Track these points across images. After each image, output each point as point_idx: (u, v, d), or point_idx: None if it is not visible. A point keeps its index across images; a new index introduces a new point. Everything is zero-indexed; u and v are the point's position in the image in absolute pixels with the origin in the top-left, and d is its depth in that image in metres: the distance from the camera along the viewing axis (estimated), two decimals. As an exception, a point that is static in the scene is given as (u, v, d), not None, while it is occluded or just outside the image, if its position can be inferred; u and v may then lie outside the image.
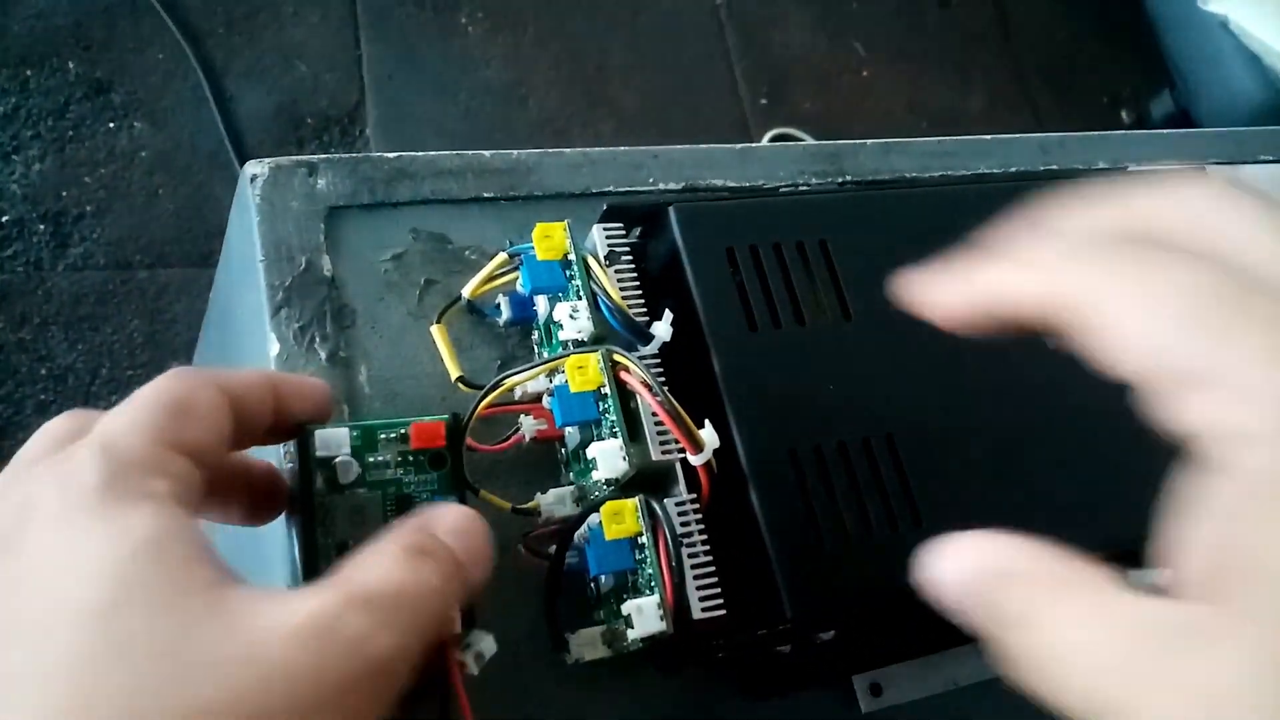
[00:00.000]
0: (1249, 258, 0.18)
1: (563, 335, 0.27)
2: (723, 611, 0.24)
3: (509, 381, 0.27)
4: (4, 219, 0.97)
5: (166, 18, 1.07)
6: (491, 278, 0.30)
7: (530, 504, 0.27)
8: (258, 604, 0.17)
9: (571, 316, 0.27)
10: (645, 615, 0.24)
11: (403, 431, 0.25)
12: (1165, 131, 0.47)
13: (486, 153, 0.34)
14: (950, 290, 0.19)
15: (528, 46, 1.22)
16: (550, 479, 0.29)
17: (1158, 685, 0.16)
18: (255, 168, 0.31)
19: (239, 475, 0.25)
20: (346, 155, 0.32)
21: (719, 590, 0.24)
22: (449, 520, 0.22)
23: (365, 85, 1.13)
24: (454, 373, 0.29)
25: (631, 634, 0.24)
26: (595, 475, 0.25)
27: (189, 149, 1.04)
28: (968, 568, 0.17)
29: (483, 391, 0.27)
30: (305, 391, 0.24)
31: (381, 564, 0.20)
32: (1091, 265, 0.18)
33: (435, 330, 0.29)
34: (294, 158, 0.31)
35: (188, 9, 1.09)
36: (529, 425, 0.28)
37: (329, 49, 1.13)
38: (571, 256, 0.28)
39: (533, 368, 0.27)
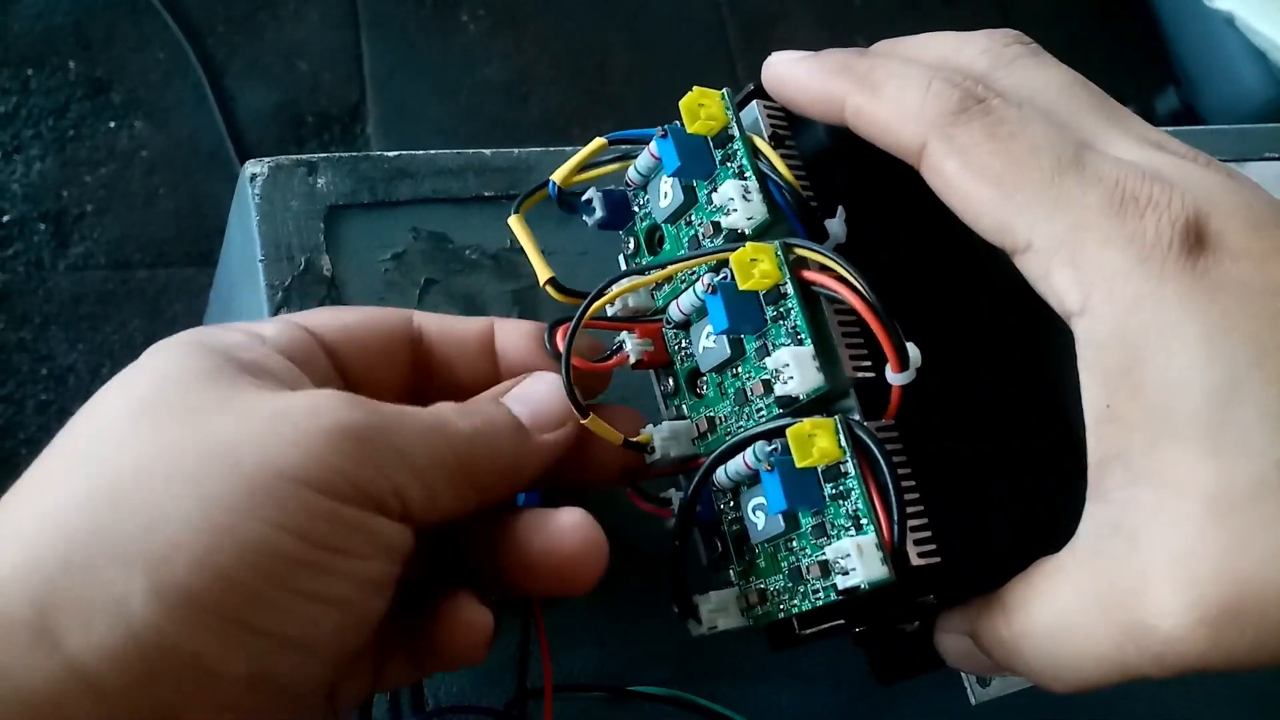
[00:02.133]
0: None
1: (728, 222, 0.22)
2: (938, 559, 0.20)
3: (619, 287, 0.23)
4: (4, 218, 0.97)
5: (167, 16, 1.07)
6: (586, 166, 0.25)
7: (641, 437, 0.23)
8: (253, 390, 0.19)
9: (745, 197, 0.21)
10: (866, 558, 0.19)
11: None
12: (1170, 128, 0.47)
13: (487, 151, 0.34)
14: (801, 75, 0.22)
15: (529, 44, 1.21)
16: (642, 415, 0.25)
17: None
18: (255, 167, 0.31)
19: None
20: (346, 154, 0.32)
21: (931, 534, 0.20)
22: (520, 387, 0.23)
23: (366, 84, 1.13)
24: (544, 274, 0.25)
25: (843, 582, 0.20)
26: (780, 389, 0.21)
27: (189, 148, 1.04)
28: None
29: (590, 296, 0.23)
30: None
31: (409, 408, 0.20)
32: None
33: (514, 221, 0.25)
34: (294, 157, 0.31)
35: (188, 8, 1.09)
36: (635, 346, 0.24)
37: (329, 47, 1.13)
38: (733, 131, 0.22)
39: (670, 263, 0.22)
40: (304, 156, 0.31)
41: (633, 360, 0.24)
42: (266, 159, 0.31)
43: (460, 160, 0.33)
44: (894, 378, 0.20)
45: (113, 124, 1.03)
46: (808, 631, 0.22)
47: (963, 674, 0.26)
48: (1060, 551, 0.20)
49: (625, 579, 0.28)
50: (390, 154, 0.32)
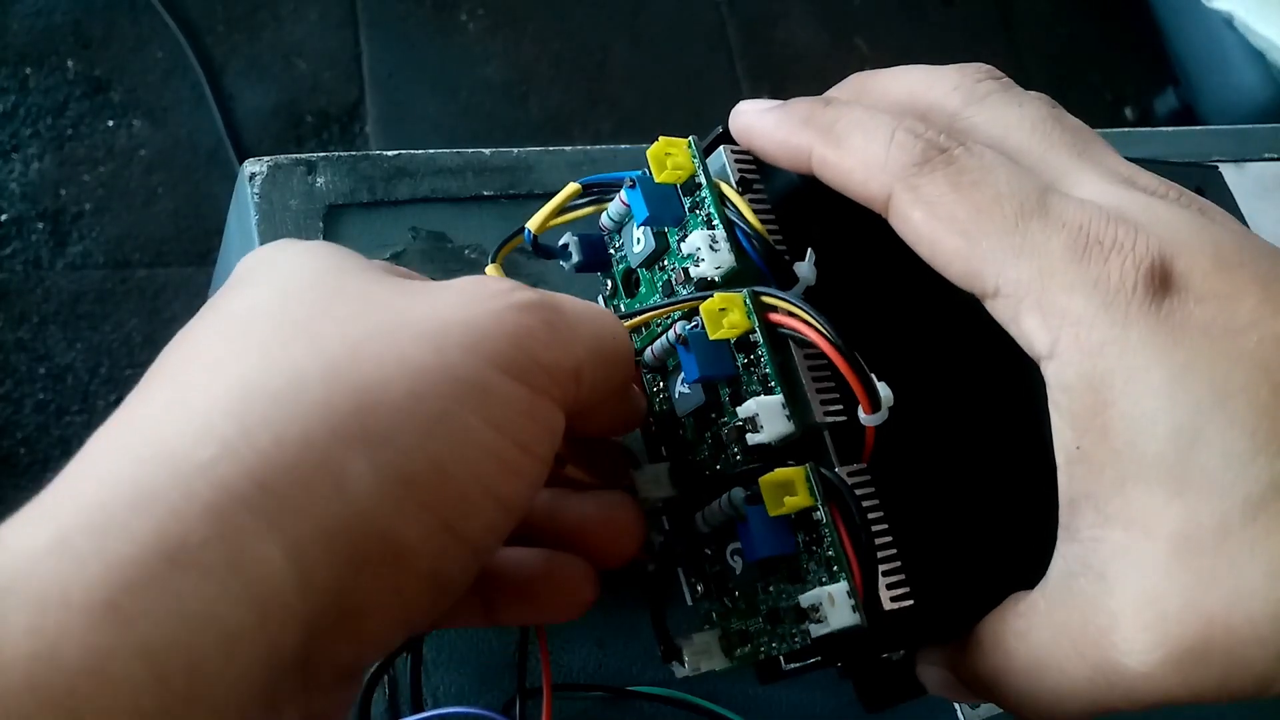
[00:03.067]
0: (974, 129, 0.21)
1: (697, 271, 0.22)
2: (910, 602, 0.21)
3: None
4: (3, 217, 0.97)
5: (166, 16, 1.07)
6: (561, 210, 0.25)
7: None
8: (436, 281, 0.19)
9: (712, 247, 0.22)
10: (839, 607, 0.20)
11: None
12: (1169, 129, 0.47)
13: (486, 151, 0.33)
14: (767, 127, 0.22)
15: (528, 44, 1.21)
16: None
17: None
18: (254, 166, 0.31)
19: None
20: (345, 153, 0.32)
21: (904, 577, 0.21)
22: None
23: (365, 83, 1.13)
24: None
25: (816, 629, 0.20)
26: (752, 437, 0.21)
27: (188, 147, 1.04)
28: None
29: None
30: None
31: None
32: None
33: (492, 270, 0.26)
34: (293, 156, 0.31)
35: (187, 7, 1.09)
36: None
37: (328, 47, 1.13)
38: (700, 179, 0.23)
39: (638, 314, 0.23)
40: (303, 156, 0.31)
41: None
42: (265, 158, 0.31)
43: (459, 160, 0.33)
44: (866, 419, 0.20)
45: (111, 123, 1.03)
46: (793, 666, 0.23)
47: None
48: (1034, 589, 0.20)
49: (625, 579, 0.28)
50: (389, 153, 0.32)
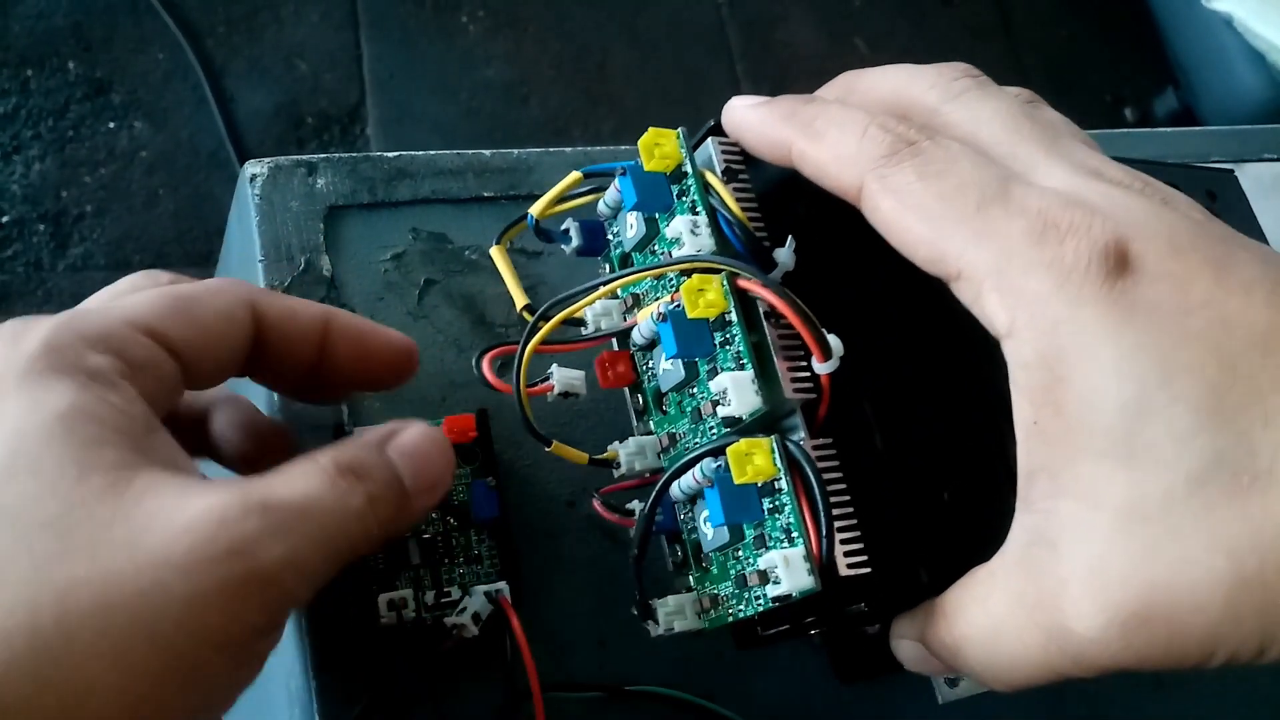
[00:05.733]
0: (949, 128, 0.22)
1: (680, 254, 0.24)
2: (868, 569, 0.21)
3: (565, 311, 0.24)
4: (4, 219, 0.97)
5: (167, 17, 1.07)
6: (562, 198, 0.26)
7: (607, 454, 0.25)
8: (159, 494, 0.18)
9: (693, 232, 0.23)
10: (793, 569, 0.21)
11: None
12: (1168, 130, 0.47)
13: (487, 152, 0.34)
14: (754, 121, 0.23)
15: (529, 45, 1.22)
16: (613, 431, 0.26)
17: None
18: (255, 167, 0.31)
19: (242, 416, 0.25)
20: (346, 155, 0.32)
21: (862, 545, 0.22)
22: (405, 440, 0.21)
23: (365, 84, 1.13)
24: (520, 300, 0.26)
25: (773, 590, 0.21)
26: (723, 410, 0.22)
27: (189, 149, 1.04)
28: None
29: (531, 322, 0.24)
30: (368, 345, 0.24)
31: (302, 476, 0.19)
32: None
33: (496, 252, 0.27)
34: (293, 157, 0.31)
35: (188, 9, 1.09)
36: (561, 377, 0.25)
37: (329, 48, 1.13)
38: (686, 168, 0.24)
39: (604, 283, 0.24)
40: (304, 157, 0.31)
41: (558, 390, 0.25)
42: (266, 159, 0.31)
43: (460, 161, 0.33)
44: (819, 367, 0.22)
45: (112, 125, 1.03)
46: (769, 632, 0.23)
47: (932, 676, 0.27)
48: (992, 559, 0.21)
49: (625, 579, 0.28)
50: (390, 154, 0.32)
